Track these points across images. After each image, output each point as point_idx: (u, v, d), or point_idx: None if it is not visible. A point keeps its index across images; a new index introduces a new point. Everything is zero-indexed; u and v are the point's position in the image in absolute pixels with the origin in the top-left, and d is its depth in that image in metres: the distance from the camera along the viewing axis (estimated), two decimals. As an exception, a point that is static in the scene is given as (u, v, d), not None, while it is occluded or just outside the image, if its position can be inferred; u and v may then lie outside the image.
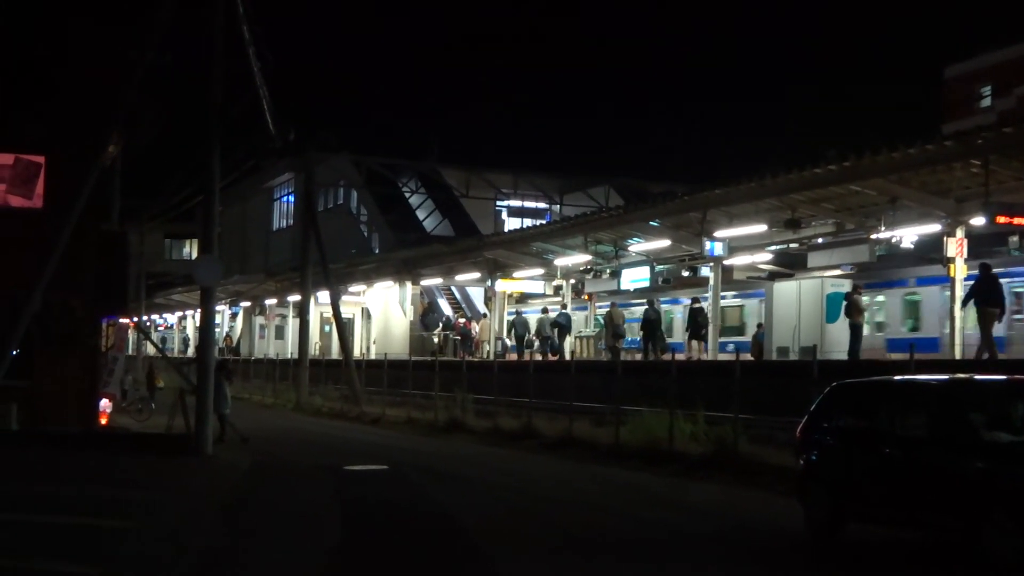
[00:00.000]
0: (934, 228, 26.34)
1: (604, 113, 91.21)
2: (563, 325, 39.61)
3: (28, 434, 23.58)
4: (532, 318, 43.84)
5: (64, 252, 23.78)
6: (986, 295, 23.13)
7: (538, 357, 37.63)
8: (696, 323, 32.80)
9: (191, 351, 49.53)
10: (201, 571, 11.45)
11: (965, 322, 25.19)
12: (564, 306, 41.11)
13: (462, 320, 48.83)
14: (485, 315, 49.67)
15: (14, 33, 25.13)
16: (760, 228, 30.11)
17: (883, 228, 26.90)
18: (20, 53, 25.22)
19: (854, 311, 26.89)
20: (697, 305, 33.63)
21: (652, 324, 34.18)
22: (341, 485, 18.94)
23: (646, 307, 34.82)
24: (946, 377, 13.80)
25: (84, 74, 25.21)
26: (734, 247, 31.95)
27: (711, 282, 33.24)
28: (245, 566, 11.68)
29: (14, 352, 23.63)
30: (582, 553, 12.61)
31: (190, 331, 69.05)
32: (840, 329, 28.77)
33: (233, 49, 23.42)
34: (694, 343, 33.28)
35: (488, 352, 43.90)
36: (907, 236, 27.27)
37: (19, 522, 13.39)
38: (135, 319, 45.30)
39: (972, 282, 23.78)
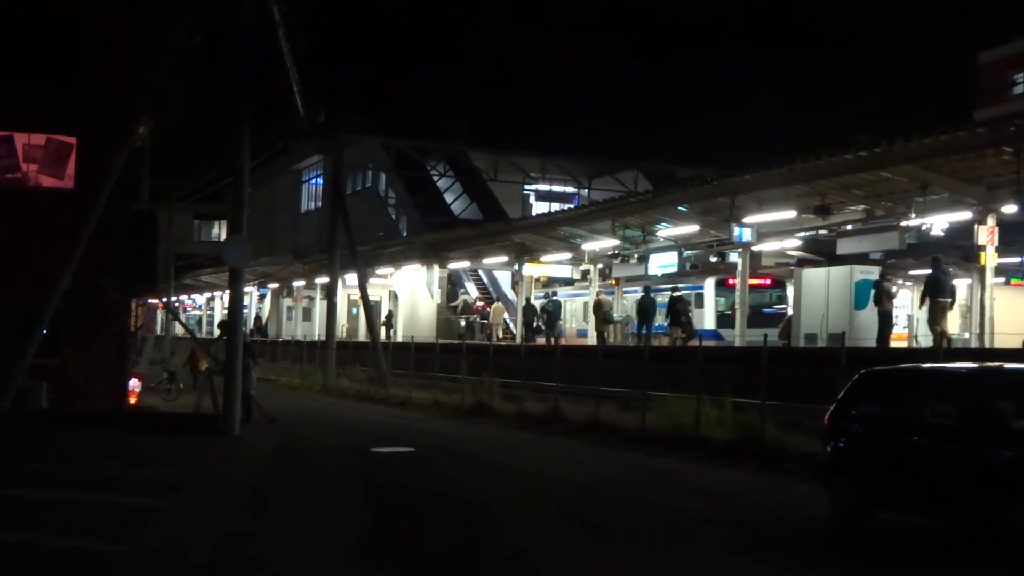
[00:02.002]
0: (965, 216, 26.15)
1: (633, 97, 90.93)
2: (551, 312, 40.55)
3: (57, 412, 23.77)
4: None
5: (94, 232, 23.94)
6: (939, 287, 24.87)
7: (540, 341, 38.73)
8: (675, 311, 34.76)
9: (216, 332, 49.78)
10: (227, 551, 11.52)
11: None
12: (555, 293, 42.56)
13: (480, 303, 48.91)
14: (497, 299, 49.81)
15: (45, 14, 25.24)
16: (789, 214, 29.97)
17: (913, 215, 26.74)
18: (51, 34, 25.35)
19: (884, 298, 26.90)
20: (677, 294, 35.45)
21: (647, 310, 35.64)
22: (367, 467, 19.01)
23: (641, 294, 36.32)
24: (975, 365, 13.71)
25: (115, 55, 25.32)
26: (763, 233, 31.83)
27: (739, 268, 33.14)
28: (271, 547, 11.74)
29: (44, 331, 23.81)
30: (606, 538, 12.63)
31: (218, 312, 69.27)
32: (868, 316, 28.65)
33: (263, 30, 23.44)
34: (675, 329, 35.12)
35: (498, 336, 44.33)
36: (937, 223, 27.10)
37: (46, 499, 13.52)
38: (164, 299, 45.53)
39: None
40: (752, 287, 35.86)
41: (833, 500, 13.45)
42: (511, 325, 46.56)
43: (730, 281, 36.43)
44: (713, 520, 14.03)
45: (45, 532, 11.47)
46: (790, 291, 35.98)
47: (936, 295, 25.03)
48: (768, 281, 38.11)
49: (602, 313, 37.77)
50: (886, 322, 26.91)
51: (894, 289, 27.71)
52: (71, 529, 11.73)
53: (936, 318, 24.94)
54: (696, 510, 14.91)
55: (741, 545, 12.35)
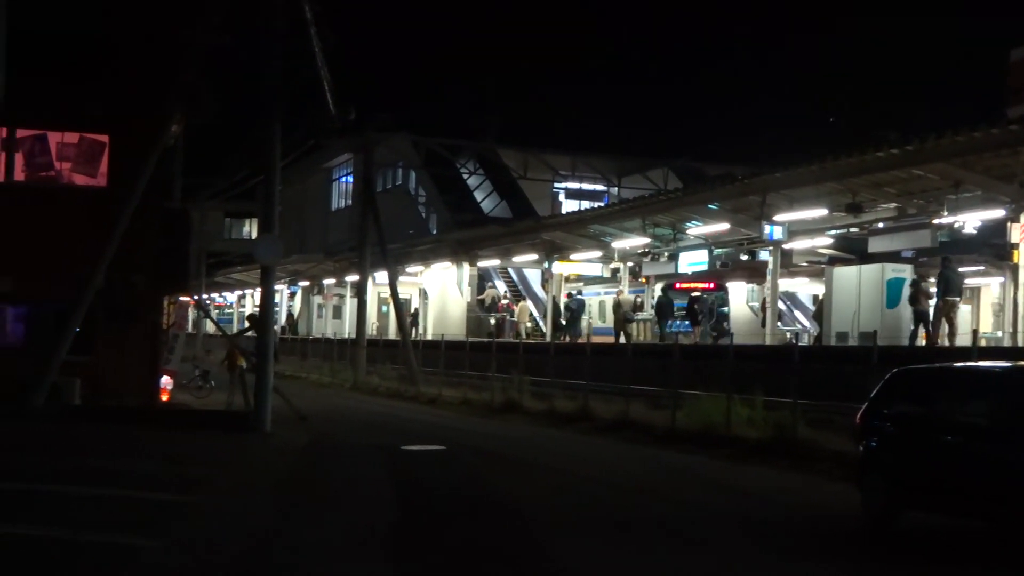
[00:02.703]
0: (998, 213, 25.95)
1: (663, 95, 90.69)
2: (574, 310, 40.75)
3: (90, 409, 23.94)
4: (592, 300, 44.30)
5: (127, 230, 24.09)
6: (947, 286, 25.65)
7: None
8: (693, 310, 35.90)
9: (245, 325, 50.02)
10: (256, 547, 11.57)
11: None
12: (579, 292, 43.10)
13: (504, 301, 48.93)
14: (524, 298, 49.85)
15: (78, 14, 25.41)
16: (820, 212, 29.82)
17: (945, 213, 26.56)
18: (84, 34, 25.52)
19: (921, 297, 26.91)
20: (695, 294, 36.72)
21: (664, 308, 36.48)
22: (397, 465, 19.04)
23: (659, 293, 37.28)
24: (1008, 364, 13.62)
25: (147, 54, 25.47)
26: (794, 231, 31.68)
27: (770, 266, 33.01)
28: (300, 543, 11.78)
29: (77, 328, 23.97)
30: (635, 536, 12.61)
31: (249, 310, 69.57)
32: (900, 315, 28.49)
33: (294, 28, 23.51)
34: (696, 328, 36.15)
35: (525, 334, 44.45)
36: (970, 221, 26.91)
37: (79, 495, 13.62)
38: (195, 297, 45.78)
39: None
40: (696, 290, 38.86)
41: (865, 499, 13.39)
42: (540, 323, 46.60)
43: (677, 285, 38.51)
44: (744, 519, 13.98)
45: (78, 527, 11.56)
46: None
47: (946, 294, 25.74)
48: (711, 285, 39.44)
49: (621, 312, 38.10)
50: (923, 321, 26.91)
51: (932, 289, 27.56)
52: (103, 524, 11.81)
53: (946, 316, 25.64)
54: (727, 508, 14.86)
55: (773, 544, 12.30)
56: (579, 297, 42.59)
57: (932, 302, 26.86)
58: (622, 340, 36.03)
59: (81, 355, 24.32)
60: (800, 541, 12.54)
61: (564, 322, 41.19)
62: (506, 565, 11.10)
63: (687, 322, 36.76)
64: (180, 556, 10.76)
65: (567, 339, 38.94)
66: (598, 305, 46.45)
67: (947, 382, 13.09)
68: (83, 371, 24.56)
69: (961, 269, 33.64)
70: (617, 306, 38.62)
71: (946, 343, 25.59)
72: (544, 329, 44.52)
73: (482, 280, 52.24)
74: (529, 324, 46.48)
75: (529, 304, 49.46)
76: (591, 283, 46.97)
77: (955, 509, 12.36)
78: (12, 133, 25.47)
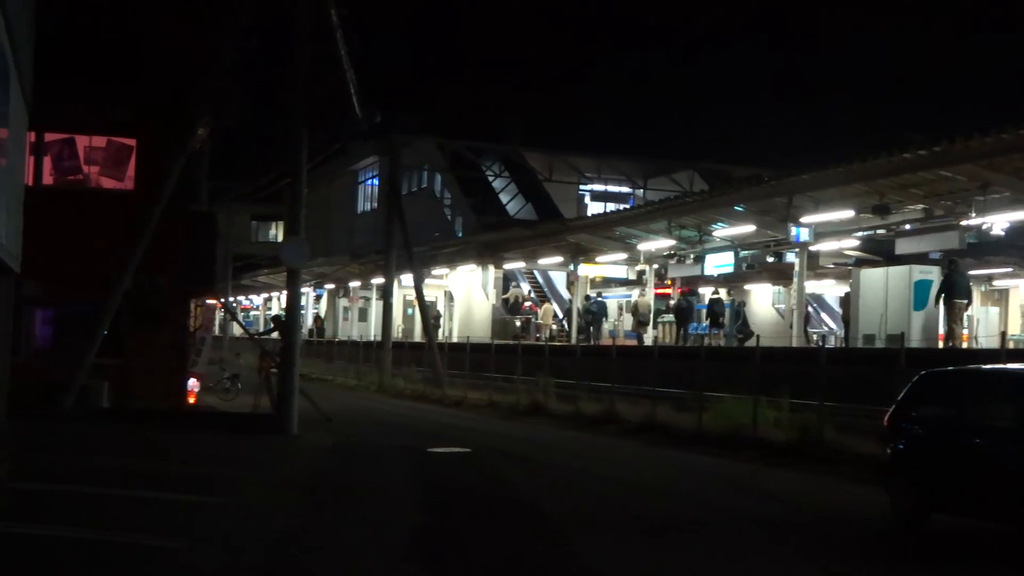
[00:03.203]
0: (1027, 215, 25.85)
1: (689, 96, 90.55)
2: (594, 313, 41.35)
3: (118, 411, 24.05)
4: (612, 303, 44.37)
5: (154, 233, 24.19)
6: (953, 288, 26.04)
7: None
8: (714, 312, 37.00)
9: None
10: (284, 548, 11.60)
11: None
12: (599, 294, 43.43)
13: (527, 304, 48.94)
14: (548, 300, 49.91)
15: (105, 17, 25.54)
16: (847, 214, 29.72)
17: (973, 214, 26.43)
18: (111, 37, 25.65)
19: None
20: (715, 296, 37.83)
21: (684, 312, 37.48)
22: (423, 467, 19.06)
23: (678, 297, 38.59)
24: (1038, 366, 13.54)
25: (174, 58, 25.57)
26: (820, 233, 31.60)
27: (796, 268, 32.93)
28: (329, 545, 11.81)
29: (105, 331, 24.09)
30: (663, 539, 12.60)
31: (275, 312, 69.81)
32: (928, 317, 28.39)
33: (320, 31, 23.58)
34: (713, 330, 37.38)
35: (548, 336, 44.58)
36: (998, 223, 26.78)
37: (107, 496, 13.69)
38: (222, 300, 45.95)
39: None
40: (659, 296, 42.42)
41: (893, 502, 13.34)
42: (565, 324, 46.63)
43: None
44: (772, 521, 13.94)
45: (106, 528, 11.61)
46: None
47: (952, 296, 26.15)
48: (685, 289, 41.49)
49: (639, 315, 39.45)
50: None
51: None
52: (131, 526, 11.87)
53: (952, 319, 26.19)
54: (754, 511, 14.82)
55: (802, 547, 12.27)
56: (600, 300, 42.73)
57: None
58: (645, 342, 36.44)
59: (109, 358, 24.44)
60: (829, 544, 12.49)
61: (582, 323, 41.47)
62: (535, 568, 11.10)
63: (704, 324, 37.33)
64: (209, 557, 10.79)
65: (591, 342, 39.17)
66: (616, 307, 46.61)
67: (976, 384, 13.02)
68: (111, 374, 24.68)
69: (989, 271, 33.58)
70: (635, 309, 39.83)
71: (948, 345, 26.02)
72: (566, 328, 44.74)
73: (507, 280, 52.33)
74: (555, 326, 46.52)
75: (553, 306, 49.46)
76: (619, 286, 46.99)
77: (984, 512, 12.29)
78: (40, 137, 25.61)
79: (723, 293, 41.13)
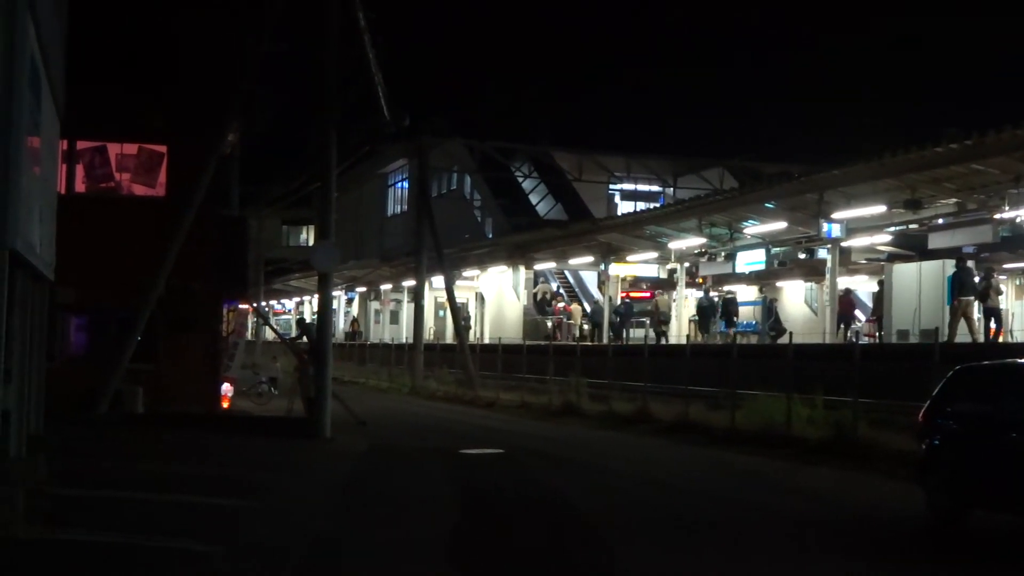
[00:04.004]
0: (1060, 207, 25.63)
1: (718, 95, 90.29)
2: (622, 314, 42.06)
3: (153, 416, 24.20)
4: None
5: (186, 238, 24.33)
6: (961, 286, 26.47)
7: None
8: (727, 311, 37.49)
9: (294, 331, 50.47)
10: (319, 552, 11.64)
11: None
12: (627, 296, 43.93)
13: (560, 304, 48.93)
14: (578, 300, 50.00)
15: (134, 25, 25.70)
16: (879, 209, 29.53)
17: (1007, 207, 26.23)
18: (141, 44, 25.81)
19: (992, 294, 26.78)
20: (729, 295, 38.52)
21: (705, 311, 38.02)
22: (457, 469, 19.08)
23: (700, 296, 39.04)
24: (1074, 361, 13.42)
25: (203, 64, 25.72)
26: (852, 228, 31.42)
27: (828, 264, 32.76)
28: (362, 547, 11.84)
29: (139, 336, 24.25)
30: (699, 538, 12.57)
31: (308, 317, 70.06)
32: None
33: (348, 35, 23.65)
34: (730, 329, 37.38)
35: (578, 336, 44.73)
36: (1032, 216, 26.58)
37: (144, 500, 13.77)
38: (254, 304, 46.11)
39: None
40: (636, 299, 43.81)
41: (929, 498, 13.25)
42: (586, 326, 46.66)
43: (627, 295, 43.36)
44: (808, 520, 13.87)
45: (144, 532, 11.68)
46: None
47: (960, 294, 26.53)
48: (649, 294, 42.48)
49: (659, 315, 40.11)
50: (996, 318, 26.80)
51: (1003, 286, 27.43)
52: (168, 529, 11.93)
53: (965, 314, 26.43)
54: (790, 509, 14.76)
55: (839, 545, 12.20)
56: (628, 301, 42.97)
57: (1002, 298, 26.78)
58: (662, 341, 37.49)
59: (143, 363, 24.61)
60: (866, 542, 12.42)
61: (610, 327, 41.82)
62: (571, 570, 11.08)
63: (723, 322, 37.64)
64: (246, 561, 10.83)
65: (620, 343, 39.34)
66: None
67: (1012, 379, 12.91)
68: (145, 379, 24.84)
69: (1023, 264, 33.27)
70: (655, 308, 40.53)
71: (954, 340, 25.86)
72: (586, 328, 45.09)
73: (536, 277, 52.37)
74: (587, 326, 46.52)
75: (583, 304, 49.48)
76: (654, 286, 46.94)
77: (1020, 508, 12.18)
78: (73, 145, 25.79)
79: (753, 291, 41.11)
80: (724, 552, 11.80)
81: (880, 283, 33.15)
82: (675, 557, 11.45)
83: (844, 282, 36.35)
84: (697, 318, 39.19)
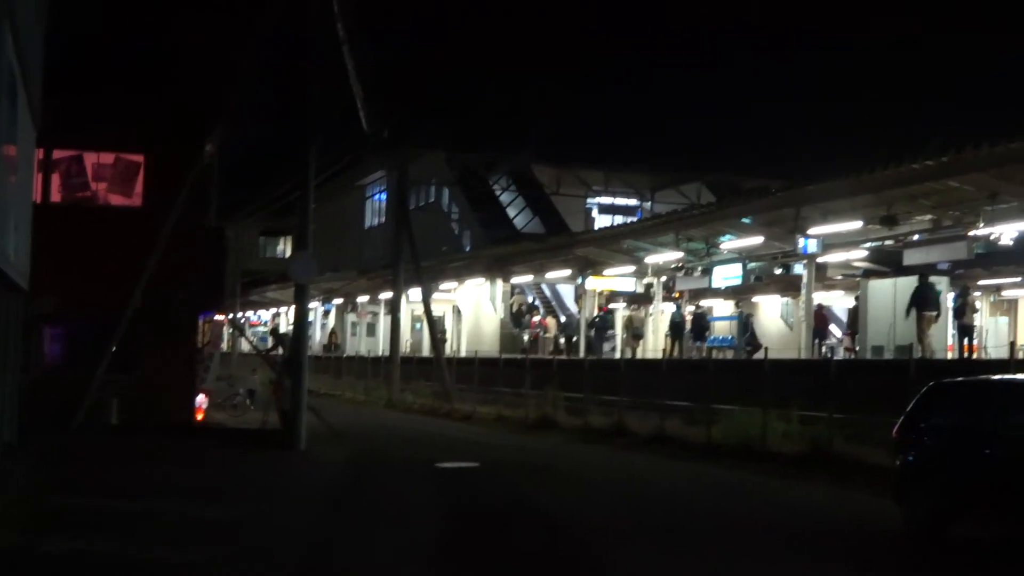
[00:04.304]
0: (1035, 224, 25.80)
1: (696, 109, 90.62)
2: (599, 327, 42.15)
3: (128, 427, 24.10)
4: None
5: (163, 249, 24.26)
6: (923, 301, 26.97)
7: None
8: (698, 326, 37.92)
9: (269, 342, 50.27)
10: (302, 564, 11.59)
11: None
12: (603, 308, 44.09)
13: (536, 318, 48.93)
14: (549, 315, 50.04)
15: (116, 37, 25.65)
16: (855, 225, 29.65)
17: (982, 224, 26.38)
18: (118, 55, 25.76)
19: (968, 311, 27.02)
20: (699, 311, 38.76)
21: (677, 327, 38.04)
22: (434, 481, 19.04)
23: (672, 311, 38.95)
24: (1048, 376, 13.51)
25: (180, 74, 25.68)
26: (828, 244, 31.54)
27: (804, 280, 32.88)
28: (345, 560, 11.80)
29: (115, 347, 24.15)
30: (682, 550, 12.57)
31: (283, 328, 69.86)
32: (936, 327, 28.37)
33: (328, 47, 23.66)
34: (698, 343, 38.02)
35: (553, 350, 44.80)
36: (1007, 232, 26.73)
37: (120, 510, 13.71)
38: (230, 315, 46.00)
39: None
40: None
41: (905, 513, 13.30)
42: (561, 341, 46.73)
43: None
44: (785, 532, 13.90)
45: (124, 543, 11.63)
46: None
47: (922, 309, 27.10)
48: (603, 309, 43.01)
49: (632, 329, 40.69)
50: (967, 335, 26.98)
51: (978, 303, 27.63)
52: (150, 540, 11.89)
53: (922, 330, 26.99)
54: (767, 522, 14.78)
55: (815, 557, 12.23)
56: (603, 315, 43.22)
57: (977, 315, 26.98)
58: (628, 355, 37.93)
59: (120, 374, 24.51)
60: (843, 556, 12.44)
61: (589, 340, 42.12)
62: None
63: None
64: (232, 569, 10.81)
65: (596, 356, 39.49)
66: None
67: (986, 394, 13.00)
68: (122, 390, 24.74)
69: (998, 281, 33.50)
70: (628, 323, 41.20)
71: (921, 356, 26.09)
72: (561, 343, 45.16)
73: (513, 290, 52.37)
74: (562, 340, 46.52)
75: (557, 319, 49.53)
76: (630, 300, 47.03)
77: (995, 522, 12.25)
78: (49, 154, 25.71)
79: (730, 305, 41.28)
80: (703, 563, 11.81)
81: (857, 298, 33.31)
82: (655, 568, 11.46)
83: (820, 297, 36.49)
84: (670, 333, 39.45)
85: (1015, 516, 11.84)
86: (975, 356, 28.10)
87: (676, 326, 38.02)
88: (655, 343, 39.86)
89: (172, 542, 11.81)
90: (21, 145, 16.26)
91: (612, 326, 43.38)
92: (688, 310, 39.29)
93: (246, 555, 11.60)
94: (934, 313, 27.27)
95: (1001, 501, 11.97)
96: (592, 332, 42.18)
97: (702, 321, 38.25)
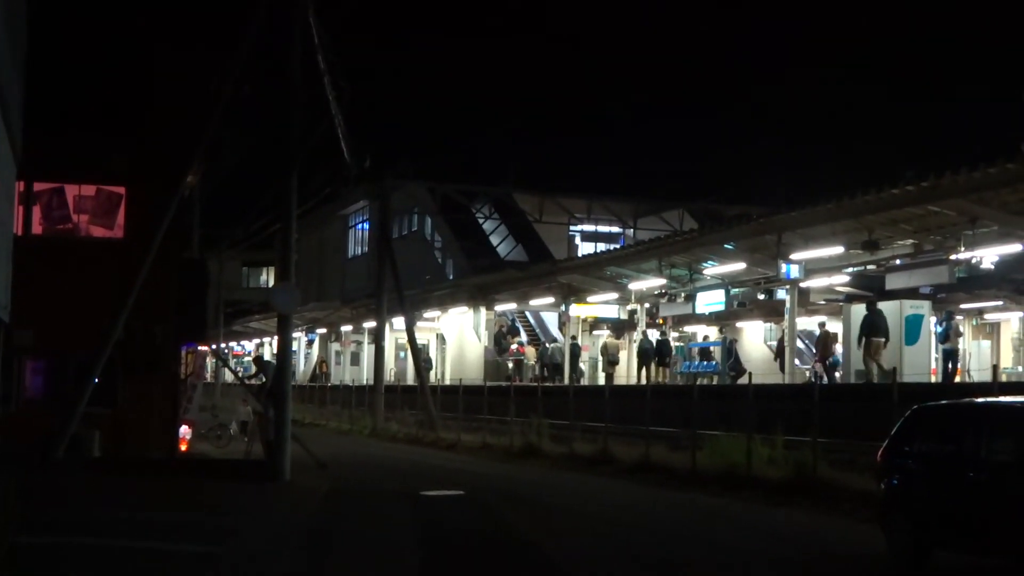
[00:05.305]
0: (1015, 248, 25.92)
1: (677, 136, 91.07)
2: (577, 356, 43.15)
3: (110, 461, 23.94)
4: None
5: (145, 281, 24.16)
6: (872, 328, 27.95)
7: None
8: (660, 352, 38.86)
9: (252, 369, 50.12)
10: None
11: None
12: (574, 337, 44.27)
13: (514, 346, 48.90)
14: (527, 342, 50.05)
15: (97, 69, 25.65)
16: (837, 250, 29.77)
17: (962, 248, 26.51)
18: (99, 86, 25.75)
19: (953, 335, 27.18)
20: (662, 338, 39.41)
21: (646, 353, 38.96)
22: (418, 511, 18.99)
23: (640, 338, 39.75)
24: (1031, 400, 13.52)
25: (163, 106, 25.67)
26: (810, 269, 31.63)
27: (787, 305, 32.95)
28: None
29: (96, 380, 24.02)
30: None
31: (267, 357, 69.67)
32: (919, 351, 28.45)
33: (310, 79, 23.69)
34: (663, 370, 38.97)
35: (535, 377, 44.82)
36: (987, 256, 26.86)
37: (106, 547, 13.60)
38: (213, 346, 45.87)
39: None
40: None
41: (889, 539, 13.29)
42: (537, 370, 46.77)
43: None
44: (771, 559, 13.90)
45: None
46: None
47: (871, 335, 28.04)
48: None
49: (608, 355, 41.17)
50: (953, 359, 27.11)
51: (962, 328, 27.80)
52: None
53: (871, 355, 27.87)
54: (755, 551, 14.77)
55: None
56: (575, 343, 43.69)
57: (961, 341, 27.15)
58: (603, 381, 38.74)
59: (101, 406, 24.36)
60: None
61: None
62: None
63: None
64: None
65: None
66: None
67: (970, 418, 13.00)
68: (103, 422, 24.58)
69: (980, 304, 33.64)
70: (604, 349, 41.74)
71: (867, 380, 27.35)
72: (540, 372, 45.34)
73: (506, 336, 52.39)
74: (538, 370, 46.49)
75: (537, 348, 49.55)
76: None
77: (981, 548, 12.25)
78: (30, 187, 25.63)
79: (714, 331, 41.42)
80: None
81: (821, 325, 33.85)
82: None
83: (803, 323, 36.60)
84: (638, 359, 40.09)
85: (997, 542, 11.83)
86: (958, 379, 28.18)
87: (644, 352, 38.89)
88: (629, 369, 40.19)
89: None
90: (1, 178, 16.21)
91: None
92: (655, 337, 39.65)
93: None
94: (882, 340, 28.01)
95: (983, 527, 11.97)
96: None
97: (664, 348, 39.25)
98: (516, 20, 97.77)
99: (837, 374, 32.08)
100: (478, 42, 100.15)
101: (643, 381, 36.96)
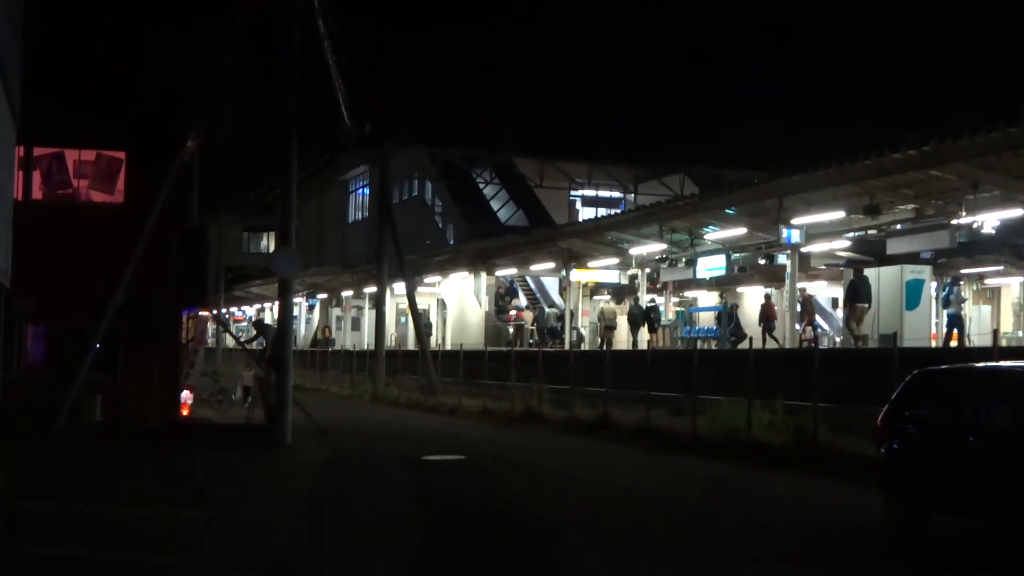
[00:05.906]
0: (1017, 213, 25.88)
1: (680, 99, 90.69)
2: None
3: (111, 427, 23.98)
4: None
5: (145, 247, 24.15)
6: (855, 294, 28.46)
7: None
8: (649, 319, 39.38)
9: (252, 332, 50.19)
10: (285, 564, 11.57)
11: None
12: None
13: (512, 312, 48.94)
14: (527, 307, 50.20)
15: (97, 33, 25.53)
16: (838, 215, 29.74)
17: (964, 213, 26.47)
18: (99, 51, 25.63)
19: (956, 301, 27.32)
20: (652, 304, 40.24)
21: (635, 318, 39.57)
22: (419, 475, 19.05)
23: (631, 304, 40.47)
24: (1031, 364, 13.51)
25: (164, 72, 25.56)
26: (811, 234, 31.60)
27: (788, 270, 32.95)
28: (329, 560, 11.78)
29: (97, 346, 24.04)
30: (667, 546, 12.57)
31: (267, 320, 69.70)
32: (920, 316, 28.46)
33: (310, 43, 23.60)
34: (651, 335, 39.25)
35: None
36: (988, 221, 26.83)
37: (105, 513, 13.65)
38: (214, 312, 45.92)
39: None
40: None
41: (889, 504, 13.30)
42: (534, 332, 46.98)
43: None
44: (771, 525, 13.93)
45: (105, 546, 11.59)
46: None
47: (855, 300, 28.49)
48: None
49: (605, 320, 41.83)
50: (959, 325, 27.21)
51: (965, 293, 27.85)
52: (130, 542, 11.84)
53: (855, 320, 28.38)
54: (754, 515, 14.81)
55: (801, 549, 12.27)
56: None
57: (965, 306, 27.23)
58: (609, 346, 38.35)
59: (102, 373, 24.39)
60: (828, 547, 12.49)
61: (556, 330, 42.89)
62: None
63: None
64: (208, 574, 10.77)
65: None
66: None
67: (970, 383, 12.99)
68: (104, 389, 24.61)
69: (981, 269, 33.65)
70: (601, 315, 42.44)
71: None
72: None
73: (505, 296, 52.46)
74: (536, 336, 46.58)
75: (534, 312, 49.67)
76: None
77: (979, 512, 12.27)
78: (29, 152, 25.56)
79: (714, 296, 41.43)
80: (689, 557, 11.83)
81: (802, 291, 34.46)
82: (642, 563, 11.47)
83: (804, 287, 36.61)
84: (628, 325, 40.49)
85: (996, 506, 11.85)
86: (953, 344, 28.20)
87: (634, 318, 39.45)
88: (628, 334, 40.54)
89: (149, 544, 11.76)
90: (1, 143, 16.19)
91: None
92: (645, 302, 39.95)
93: (216, 558, 11.54)
94: (865, 305, 28.43)
95: (983, 490, 11.99)
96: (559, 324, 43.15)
97: (652, 314, 39.80)
98: (521, 10, 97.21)
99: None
100: (485, 23, 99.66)
101: (633, 346, 37.77)
